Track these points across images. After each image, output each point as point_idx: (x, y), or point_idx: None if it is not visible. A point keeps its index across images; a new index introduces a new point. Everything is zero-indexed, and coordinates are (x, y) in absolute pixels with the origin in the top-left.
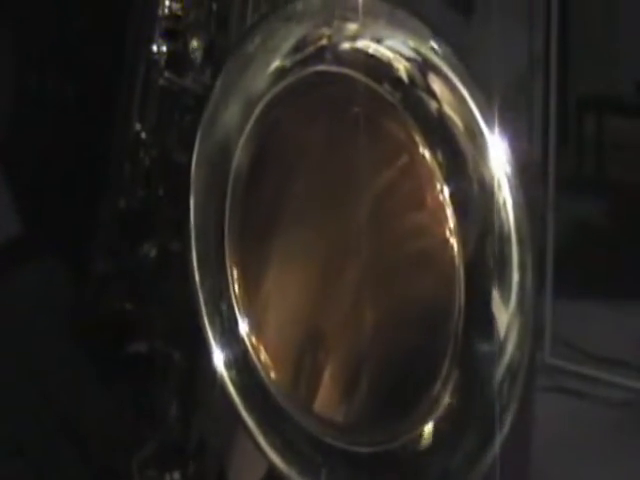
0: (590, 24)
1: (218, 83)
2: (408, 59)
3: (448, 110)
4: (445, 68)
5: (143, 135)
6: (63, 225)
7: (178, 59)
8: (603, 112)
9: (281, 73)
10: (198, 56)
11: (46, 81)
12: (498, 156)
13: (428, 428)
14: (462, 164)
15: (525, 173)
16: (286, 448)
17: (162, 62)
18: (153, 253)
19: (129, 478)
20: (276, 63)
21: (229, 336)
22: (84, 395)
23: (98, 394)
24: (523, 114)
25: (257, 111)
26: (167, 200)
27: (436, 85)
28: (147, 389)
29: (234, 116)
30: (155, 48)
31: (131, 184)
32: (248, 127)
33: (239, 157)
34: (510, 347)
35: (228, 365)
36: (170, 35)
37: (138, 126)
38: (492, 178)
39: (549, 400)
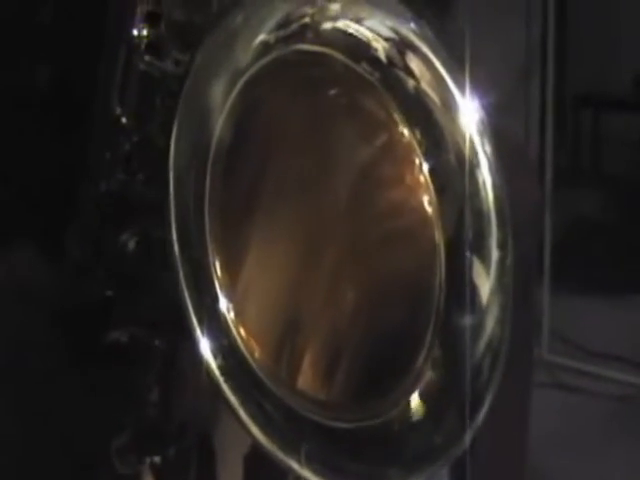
0: (588, 19)
1: (198, 57)
2: (386, 39)
3: (426, 87)
4: (422, 46)
5: (124, 120)
6: (42, 212)
7: (159, 42)
8: (600, 107)
9: (265, 48)
10: (178, 40)
11: (25, 64)
12: (477, 132)
13: (410, 405)
14: (440, 140)
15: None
16: (268, 424)
17: (142, 46)
18: (134, 239)
19: (109, 463)
20: (261, 37)
21: (212, 319)
22: (63, 382)
23: (78, 381)
24: (520, 108)
25: (239, 86)
26: (147, 185)
27: (414, 63)
28: (128, 375)
29: (216, 90)
30: (136, 32)
31: (111, 169)
32: (229, 102)
33: (219, 134)
34: (490, 322)
35: (213, 350)
36: (151, 18)
37: (119, 110)
38: (470, 154)
39: (547, 396)
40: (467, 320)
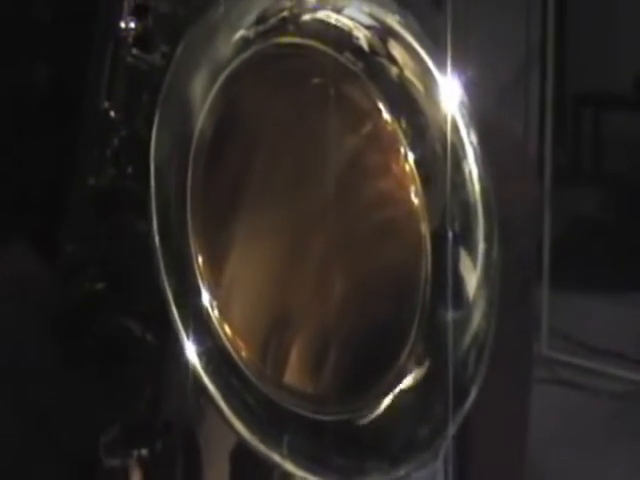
0: (588, 18)
1: (179, 51)
2: (367, 27)
3: (409, 75)
4: (405, 34)
5: (112, 113)
6: (36, 209)
7: (146, 35)
8: (600, 107)
9: (245, 43)
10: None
11: (21, 61)
12: (463, 123)
13: (395, 397)
14: (425, 129)
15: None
16: (251, 418)
17: (130, 39)
18: (124, 233)
19: (96, 457)
20: (241, 33)
21: (197, 318)
22: (56, 377)
23: (70, 376)
24: (520, 106)
25: (220, 80)
26: (136, 179)
27: (396, 51)
28: (118, 370)
29: (197, 84)
30: (123, 25)
31: (100, 163)
32: (211, 96)
33: (201, 128)
34: (477, 315)
35: (199, 352)
36: (138, 11)
37: (107, 104)
38: (456, 145)
39: (546, 392)
40: (452, 313)
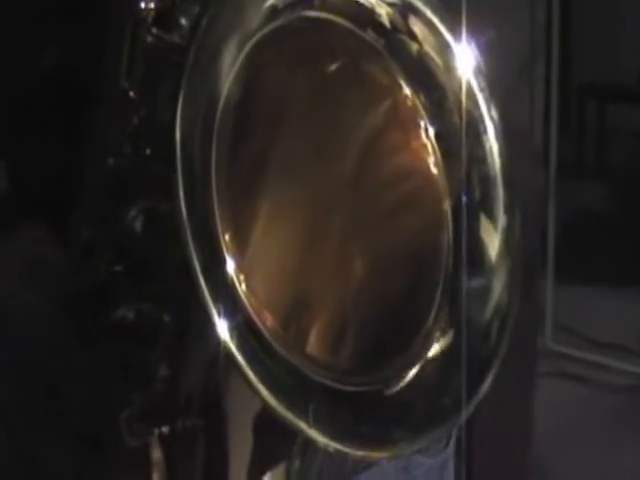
0: (593, 10)
1: (206, 21)
2: (389, 4)
3: (429, 50)
4: (425, 9)
5: (131, 94)
6: (48, 191)
7: (166, 15)
8: (605, 99)
9: (273, 13)
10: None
11: (30, 37)
12: (483, 99)
13: (418, 368)
14: (444, 102)
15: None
16: (277, 387)
17: (150, 19)
18: (142, 215)
19: (119, 438)
20: (270, 2)
21: (224, 290)
22: (71, 360)
23: (85, 358)
24: (525, 100)
25: (247, 49)
26: (156, 160)
27: (417, 27)
28: (136, 350)
29: (224, 54)
30: (143, 4)
31: (119, 144)
32: (236, 66)
33: (225, 100)
34: (498, 285)
35: (229, 326)
36: None
37: (126, 84)
38: (475, 116)
39: (551, 385)
40: (472, 278)
